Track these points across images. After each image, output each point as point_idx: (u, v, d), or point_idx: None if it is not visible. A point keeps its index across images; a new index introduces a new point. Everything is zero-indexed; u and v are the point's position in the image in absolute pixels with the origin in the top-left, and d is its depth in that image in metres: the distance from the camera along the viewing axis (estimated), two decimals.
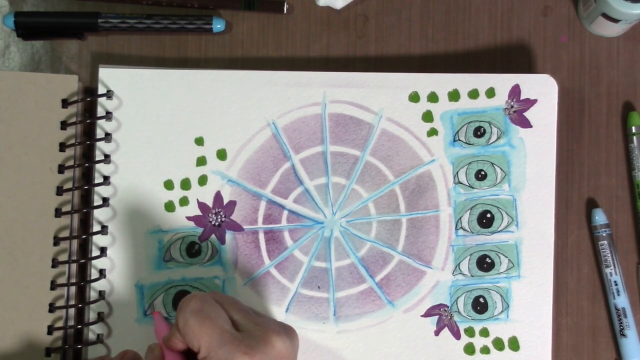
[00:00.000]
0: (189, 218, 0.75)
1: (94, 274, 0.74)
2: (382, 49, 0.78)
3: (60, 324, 0.73)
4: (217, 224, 0.75)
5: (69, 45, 0.78)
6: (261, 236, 0.75)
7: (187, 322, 0.63)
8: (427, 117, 0.76)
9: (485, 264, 0.75)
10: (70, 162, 0.74)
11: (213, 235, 0.75)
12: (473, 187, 0.75)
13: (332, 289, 0.75)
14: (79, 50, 0.78)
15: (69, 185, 0.74)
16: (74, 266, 0.74)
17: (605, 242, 0.76)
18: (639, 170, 0.76)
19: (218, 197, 0.75)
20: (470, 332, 0.75)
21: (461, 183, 0.75)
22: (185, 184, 0.75)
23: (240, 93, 0.75)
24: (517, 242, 0.75)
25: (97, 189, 0.74)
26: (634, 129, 0.76)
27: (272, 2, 0.78)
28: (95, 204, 0.74)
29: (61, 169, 0.73)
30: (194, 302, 0.64)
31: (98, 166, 0.74)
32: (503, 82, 0.75)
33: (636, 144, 0.76)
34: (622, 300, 0.76)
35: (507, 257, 0.75)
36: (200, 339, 0.62)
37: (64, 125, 0.74)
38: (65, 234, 0.73)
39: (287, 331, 0.66)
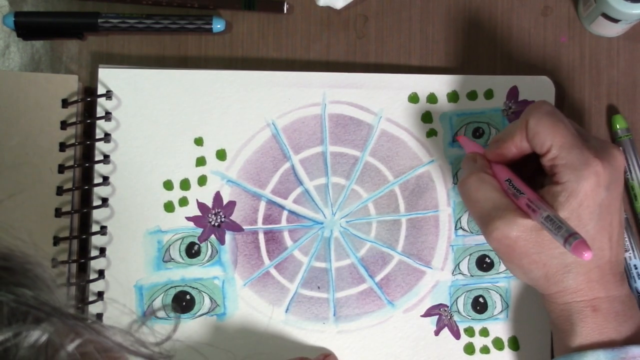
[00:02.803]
0: (188, 218, 0.75)
1: (93, 275, 0.74)
2: (382, 49, 0.78)
3: None
4: (216, 224, 0.75)
5: (69, 45, 0.78)
6: (261, 236, 0.75)
7: (541, 120, 0.63)
8: (427, 117, 0.76)
9: (484, 263, 0.75)
10: (70, 162, 0.74)
11: (212, 236, 0.75)
12: None
13: (332, 289, 0.75)
14: (78, 50, 0.78)
15: (68, 185, 0.74)
16: (73, 266, 0.74)
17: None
18: (633, 173, 0.76)
19: (217, 197, 0.75)
20: (470, 331, 0.75)
21: None
22: (185, 184, 0.75)
23: (240, 93, 0.75)
24: None
25: (96, 189, 0.74)
26: (619, 132, 0.76)
27: (272, 2, 0.78)
28: (95, 204, 0.74)
29: (61, 169, 0.74)
30: (546, 105, 0.65)
31: (97, 166, 0.74)
32: (501, 83, 0.75)
33: (624, 146, 0.76)
34: None
35: None
36: (554, 139, 0.63)
37: (63, 125, 0.74)
38: (65, 234, 0.73)
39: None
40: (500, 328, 0.75)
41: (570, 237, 0.58)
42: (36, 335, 0.38)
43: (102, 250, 0.74)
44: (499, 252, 0.66)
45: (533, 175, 0.68)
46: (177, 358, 0.69)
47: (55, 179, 0.74)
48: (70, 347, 0.39)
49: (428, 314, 0.75)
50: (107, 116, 0.75)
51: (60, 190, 0.73)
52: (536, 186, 0.65)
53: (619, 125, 0.76)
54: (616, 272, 0.65)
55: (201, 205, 0.75)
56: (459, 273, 0.75)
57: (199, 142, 0.75)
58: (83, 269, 0.74)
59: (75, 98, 0.75)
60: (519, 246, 0.63)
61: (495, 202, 0.64)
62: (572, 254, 0.58)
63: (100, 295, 0.74)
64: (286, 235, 0.75)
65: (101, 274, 0.74)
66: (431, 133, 0.76)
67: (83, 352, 0.40)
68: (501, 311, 0.75)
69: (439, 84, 0.76)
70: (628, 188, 0.76)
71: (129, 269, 0.74)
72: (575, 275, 0.64)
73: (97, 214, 0.74)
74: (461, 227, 0.75)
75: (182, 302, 0.74)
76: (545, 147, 0.63)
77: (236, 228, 0.75)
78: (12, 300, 0.39)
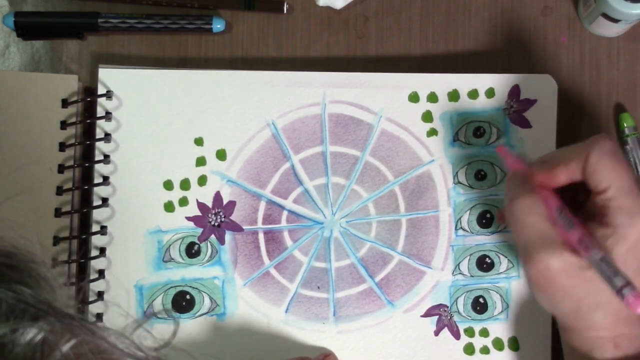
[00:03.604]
0: (188, 218, 0.75)
1: (94, 275, 0.74)
2: (382, 49, 0.78)
3: None
4: (216, 224, 0.75)
5: (69, 45, 0.78)
6: (261, 236, 0.75)
7: (603, 159, 0.62)
8: (427, 117, 0.76)
9: (485, 264, 0.75)
10: (70, 162, 0.74)
11: (212, 236, 0.75)
12: (473, 187, 0.75)
13: (331, 289, 0.75)
14: (79, 50, 0.78)
15: (68, 185, 0.74)
16: (73, 266, 0.74)
17: None
18: (638, 171, 0.76)
19: (217, 197, 0.75)
20: (470, 332, 0.75)
21: (461, 183, 0.75)
22: (185, 184, 0.75)
23: (240, 93, 0.75)
24: None
25: (96, 189, 0.74)
26: (627, 131, 0.76)
27: (272, 2, 0.78)
28: (95, 204, 0.74)
29: (61, 169, 0.73)
30: (610, 143, 0.63)
31: (97, 166, 0.74)
32: (502, 82, 0.75)
33: (631, 144, 0.76)
34: None
35: (506, 257, 0.75)
36: (613, 180, 0.62)
37: (63, 125, 0.74)
38: (65, 234, 0.73)
39: None
40: (500, 328, 0.75)
41: (625, 288, 0.57)
42: (33, 333, 0.38)
43: (102, 250, 0.74)
44: (534, 282, 0.64)
45: (569, 203, 0.66)
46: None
47: (55, 178, 0.74)
48: (66, 347, 0.39)
49: (428, 314, 0.75)
50: (107, 116, 0.75)
51: (60, 190, 0.73)
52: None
53: (627, 123, 0.76)
54: None
55: (201, 205, 0.75)
56: (459, 273, 0.75)
57: (199, 142, 0.75)
58: (83, 269, 0.74)
59: (75, 98, 0.74)
60: (558, 280, 0.62)
61: (543, 231, 0.63)
62: (624, 305, 0.57)
63: (100, 295, 0.74)
64: (286, 235, 0.75)
65: (101, 274, 0.74)
66: (432, 132, 0.76)
67: (78, 352, 0.40)
68: (501, 311, 0.75)
69: (440, 83, 0.76)
70: None
71: (129, 269, 0.74)
72: (605, 313, 0.63)
73: (97, 214, 0.74)
74: (461, 227, 0.75)
75: (182, 302, 0.74)
76: (601, 186, 0.62)
77: (236, 228, 0.75)
78: (11, 297, 0.39)
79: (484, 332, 0.75)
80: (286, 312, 0.75)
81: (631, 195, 0.61)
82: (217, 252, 0.75)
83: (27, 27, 0.77)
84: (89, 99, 0.75)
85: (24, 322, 0.38)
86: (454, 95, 0.76)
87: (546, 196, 0.65)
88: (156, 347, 0.47)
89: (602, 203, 0.62)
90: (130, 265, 0.74)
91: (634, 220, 0.61)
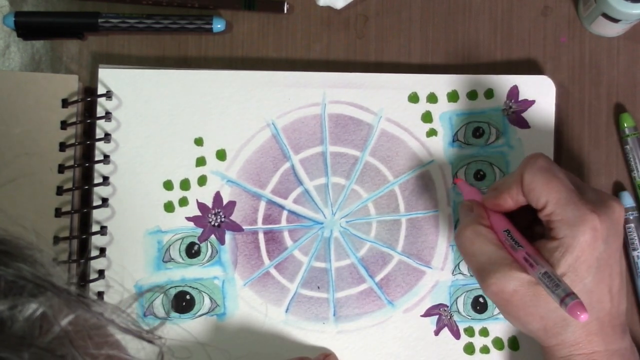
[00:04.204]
0: (188, 218, 0.75)
1: (93, 275, 0.74)
2: (382, 49, 0.78)
3: None
4: (216, 224, 0.75)
5: (69, 45, 0.78)
6: (261, 236, 0.75)
7: (535, 177, 0.64)
8: (427, 117, 0.76)
9: None
10: (70, 162, 0.74)
11: (212, 236, 0.75)
12: None
13: (331, 289, 0.75)
14: (79, 50, 0.78)
15: (69, 185, 0.74)
16: (73, 266, 0.74)
17: (633, 225, 0.75)
18: (638, 171, 0.75)
19: (217, 197, 0.75)
20: (470, 331, 0.75)
21: None
22: (185, 185, 0.75)
23: (240, 93, 0.75)
24: None
25: (96, 189, 0.74)
26: (627, 131, 0.76)
27: (272, 2, 0.78)
28: (95, 204, 0.74)
29: (61, 169, 0.74)
30: (541, 160, 0.65)
31: (97, 166, 0.75)
32: (501, 83, 0.75)
33: (631, 144, 0.76)
34: None
35: None
36: (549, 195, 0.63)
37: (64, 125, 0.74)
38: (65, 234, 0.73)
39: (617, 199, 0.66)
40: (500, 328, 0.75)
41: (567, 297, 0.58)
42: (32, 309, 0.38)
43: (102, 251, 0.74)
44: (496, 305, 0.66)
45: (530, 225, 0.68)
46: (176, 357, 0.69)
47: (55, 178, 0.74)
48: (64, 322, 0.39)
49: (428, 313, 0.75)
50: (107, 116, 0.75)
51: (60, 190, 0.73)
52: (534, 236, 0.66)
53: (627, 123, 0.76)
54: (616, 324, 0.65)
55: (201, 205, 0.75)
56: (459, 273, 0.75)
57: (199, 142, 0.75)
58: (83, 269, 0.74)
59: (75, 98, 0.75)
60: (515, 300, 0.64)
61: (491, 256, 0.65)
62: (568, 314, 0.58)
63: (100, 295, 0.74)
64: (286, 235, 0.75)
65: (101, 274, 0.74)
66: (431, 133, 0.76)
67: (76, 328, 0.40)
68: None
69: (439, 84, 0.76)
70: (634, 187, 0.76)
71: (129, 269, 0.74)
72: (574, 329, 0.63)
73: (97, 214, 0.74)
74: None
75: (182, 302, 0.74)
76: (540, 203, 0.64)
77: (236, 228, 0.75)
78: (10, 274, 0.39)
79: (484, 332, 0.75)
80: (286, 312, 0.75)
81: (570, 206, 0.62)
82: (217, 252, 0.75)
83: (27, 27, 0.77)
84: (89, 99, 0.75)
85: (22, 298, 0.38)
86: (453, 96, 0.76)
87: (495, 219, 0.67)
88: (152, 327, 0.48)
89: (546, 218, 0.64)
90: (130, 265, 0.74)
91: (576, 229, 0.62)
